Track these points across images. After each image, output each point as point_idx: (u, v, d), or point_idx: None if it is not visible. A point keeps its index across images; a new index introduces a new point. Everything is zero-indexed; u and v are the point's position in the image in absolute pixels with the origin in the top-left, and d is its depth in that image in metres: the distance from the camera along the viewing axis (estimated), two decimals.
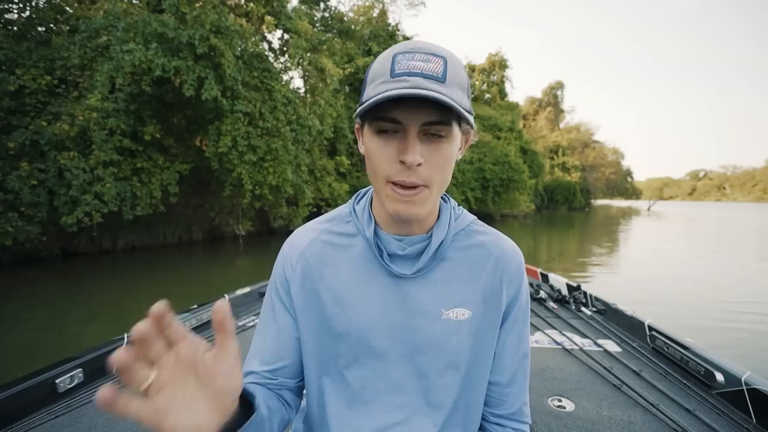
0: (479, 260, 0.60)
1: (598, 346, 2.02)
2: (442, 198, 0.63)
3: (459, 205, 0.66)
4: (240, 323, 2.33)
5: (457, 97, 0.48)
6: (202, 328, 2.28)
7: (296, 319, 0.62)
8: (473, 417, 0.63)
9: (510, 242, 0.64)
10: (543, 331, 2.24)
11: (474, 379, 0.61)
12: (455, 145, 0.52)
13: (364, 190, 0.67)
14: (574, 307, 2.68)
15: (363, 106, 0.49)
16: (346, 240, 0.62)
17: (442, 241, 0.58)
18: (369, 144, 0.52)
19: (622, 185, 65.96)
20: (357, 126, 0.59)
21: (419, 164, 0.49)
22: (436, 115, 0.48)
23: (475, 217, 0.66)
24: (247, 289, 2.89)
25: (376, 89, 0.49)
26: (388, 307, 0.58)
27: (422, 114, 0.48)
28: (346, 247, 0.61)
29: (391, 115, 0.48)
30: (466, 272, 0.60)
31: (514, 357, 0.62)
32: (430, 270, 0.59)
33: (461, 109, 0.47)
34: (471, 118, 0.50)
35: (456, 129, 0.51)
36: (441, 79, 0.47)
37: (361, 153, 0.61)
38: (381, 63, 0.51)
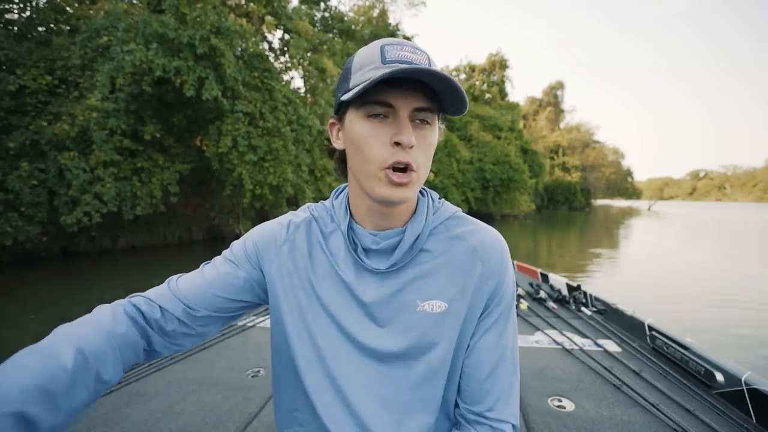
0: (457, 252, 0.59)
1: (598, 346, 2.02)
2: (420, 191, 0.62)
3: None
4: (240, 323, 2.33)
5: None
6: None
7: (243, 283, 0.62)
8: (451, 410, 0.62)
9: (491, 233, 0.61)
10: (543, 331, 2.23)
11: (451, 371, 0.59)
12: (437, 135, 0.54)
13: (342, 186, 0.67)
14: (574, 307, 2.68)
15: (362, 85, 0.46)
16: (327, 232, 0.63)
17: (418, 236, 0.58)
18: (359, 130, 0.51)
19: (623, 185, 65.88)
20: (332, 121, 0.59)
21: (411, 147, 0.49)
22: (426, 102, 0.49)
23: (458, 209, 0.65)
24: None
25: (366, 75, 0.48)
26: (359, 300, 0.59)
27: (413, 99, 0.49)
28: (327, 237, 0.62)
29: (384, 98, 0.48)
30: (443, 264, 0.58)
31: (493, 352, 0.59)
32: (407, 263, 0.58)
33: (462, 90, 0.48)
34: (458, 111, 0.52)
35: (437, 119, 0.53)
36: None
37: (337, 149, 0.60)
38: (368, 53, 0.51)
